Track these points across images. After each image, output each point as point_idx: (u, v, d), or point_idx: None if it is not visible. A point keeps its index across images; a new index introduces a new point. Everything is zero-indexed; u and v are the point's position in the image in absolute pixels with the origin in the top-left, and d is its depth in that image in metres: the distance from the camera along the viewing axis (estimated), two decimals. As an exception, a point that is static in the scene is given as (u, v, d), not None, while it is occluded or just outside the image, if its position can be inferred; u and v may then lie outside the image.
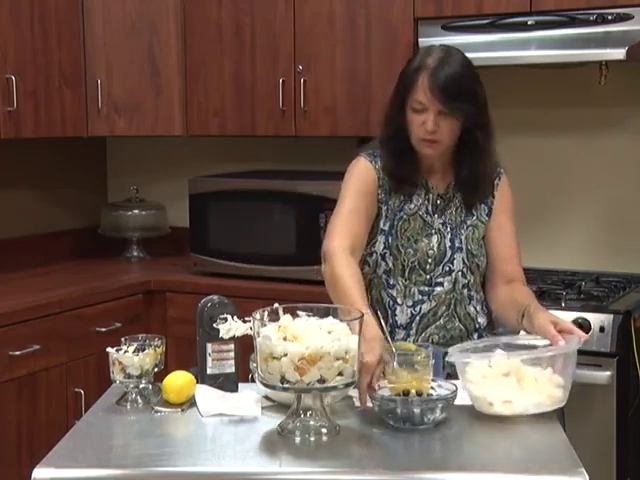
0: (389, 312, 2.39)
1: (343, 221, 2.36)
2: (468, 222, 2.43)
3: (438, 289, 2.39)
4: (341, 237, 2.33)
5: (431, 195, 2.43)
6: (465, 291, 2.41)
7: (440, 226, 2.41)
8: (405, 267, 2.38)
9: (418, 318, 2.38)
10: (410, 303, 2.39)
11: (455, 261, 2.39)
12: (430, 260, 2.39)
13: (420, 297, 2.39)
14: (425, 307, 2.38)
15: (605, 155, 3.65)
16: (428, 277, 2.38)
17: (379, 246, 2.39)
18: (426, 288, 2.39)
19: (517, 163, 3.79)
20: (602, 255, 3.67)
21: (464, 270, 2.40)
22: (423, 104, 2.31)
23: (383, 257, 2.39)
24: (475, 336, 2.41)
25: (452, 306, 2.40)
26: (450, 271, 2.39)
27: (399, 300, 2.39)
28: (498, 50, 3.36)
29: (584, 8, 3.22)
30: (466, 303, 2.41)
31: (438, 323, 2.38)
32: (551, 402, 2.00)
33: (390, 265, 2.39)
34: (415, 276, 2.38)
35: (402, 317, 2.39)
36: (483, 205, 2.46)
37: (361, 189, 2.41)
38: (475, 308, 2.43)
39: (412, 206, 2.42)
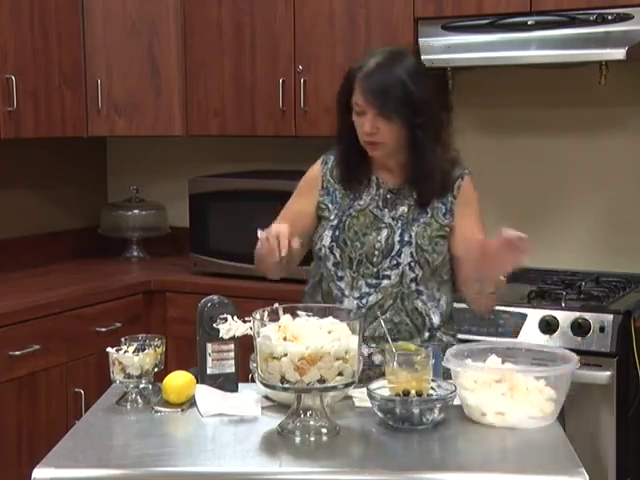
0: (337, 304, 2.40)
1: (279, 220, 2.49)
2: (421, 219, 2.44)
3: (385, 282, 2.40)
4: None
5: (382, 190, 2.47)
6: (413, 285, 2.40)
7: (391, 220, 2.44)
8: (353, 260, 2.41)
9: (365, 310, 2.38)
10: (357, 295, 2.40)
11: (403, 255, 2.40)
12: (377, 253, 2.41)
13: (367, 289, 2.40)
14: (372, 299, 2.39)
15: (605, 155, 3.65)
16: (375, 270, 2.40)
17: (326, 240, 2.43)
18: (373, 280, 2.40)
19: (517, 163, 3.80)
20: (602, 255, 3.67)
21: (412, 264, 2.40)
22: (361, 107, 2.36)
23: (331, 250, 2.43)
24: (426, 335, 2.41)
25: (399, 300, 2.40)
26: (398, 264, 2.40)
27: (346, 292, 2.41)
28: (498, 50, 3.36)
29: (584, 8, 3.22)
30: (414, 297, 2.41)
31: (385, 316, 2.37)
32: (542, 416, 1.99)
33: (338, 257, 2.42)
34: (363, 269, 2.41)
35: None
36: (441, 205, 2.45)
37: (302, 190, 2.55)
38: (425, 304, 2.42)
39: (362, 202, 2.46)
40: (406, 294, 2.40)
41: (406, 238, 2.41)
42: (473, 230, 2.43)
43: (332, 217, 2.46)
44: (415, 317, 2.40)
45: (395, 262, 2.40)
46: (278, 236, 2.20)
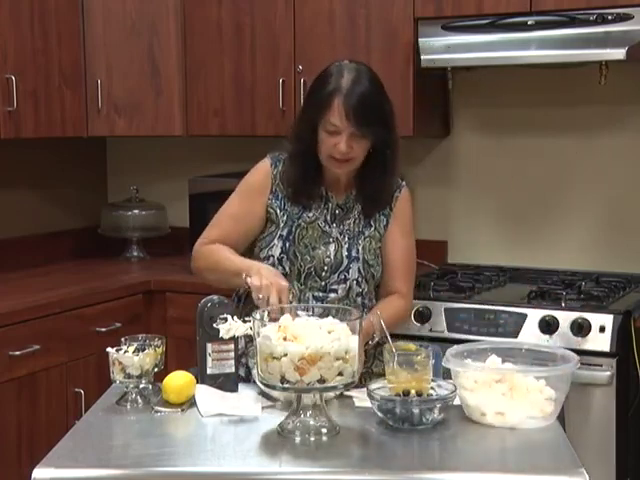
0: None
1: (218, 226, 2.51)
2: (366, 233, 2.48)
3: (332, 295, 2.43)
4: (209, 240, 2.49)
5: (330, 204, 2.48)
6: (359, 299, 2.46)
7: (338, 235, 2.46)
8: (301, 272, 2.43)
9: None
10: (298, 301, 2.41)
11: (351, 270, 2.44)
12: (326, 267, 2.43)
13: (314, 302, 2.42)
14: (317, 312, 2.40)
15: (605, 155, 3.65)
16: (323, 283, 2.43)
17: (276, 250, 2.43)
18: (320, 294, 2.43)
19: (517, 163, 3.81)
20: (602, 255, 3.67)
21: (359, 279, 2.45)
22: (337, 127, 2.34)
23: (280, 261, 2.43)
24: (371, 344, 2.42)
25: (340, 298, 2.43)
26: (345, 279, 2.44)
27: (294, 303, 2.40)
28: (498, 50, 3.36)
29: (584, 8, 3.22)
30: (353, 295, 2.45)
31: None
32: (542, 416, 1.99)
33: (287, 269, 2.43)
34: (311, 282, 2.43)
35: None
36: (382, 217, 2.50)
37: (250, 193, 2.51)
38: (370, 300, 2.48)
39: (311, 215, 2.47)
40: (345, 294, 2.43)
41: (354, 253, 2.44)
42: (395, 239, 2.49)
43: (281, 225, 2.46)
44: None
45: (343, 277, 2.43)
46: (280, 296, 2.20)
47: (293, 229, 2.45)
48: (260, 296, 2.21)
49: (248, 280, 2.26)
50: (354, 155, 2.38)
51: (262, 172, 2.52)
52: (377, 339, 2.34)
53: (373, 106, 2.35)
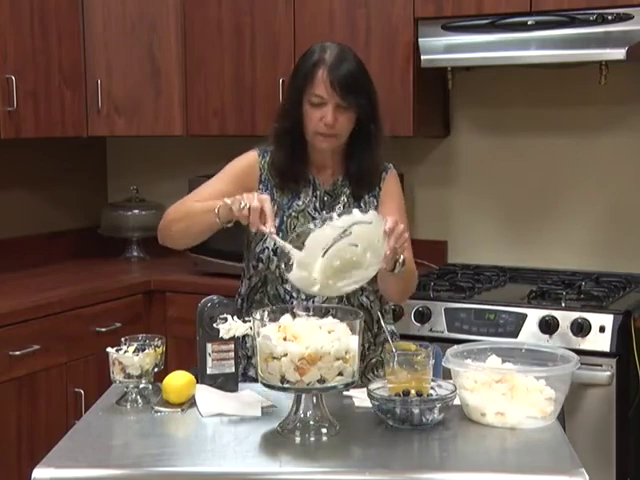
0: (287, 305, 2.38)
1: (199, 196, 2.43)
2: None
3: None
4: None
5: (318, 192, 2.48)
6: None
7: None
8: None
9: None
10: (304, 296, 2.39)
11: None
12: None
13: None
14: (318, 299, 2.38)
15: (605, 155, 3.66)
16: None
17: (270, 242, 2.40)
18: None
19: (517, 163, 3.81)
20: (602, 255, 3.67)
21: None
22: (322, 98, 2.36)
23: (275, 252, 2.40)
24: (375, 328, 2.46)
25: (344, 298, 2.41)
26: None
27: (294, 294, 2.41)
28: (498, 50, 3.36)
29: (584, 8, 3.22)
30: (358, 294, 2.44)
31: None
32: (542, 416, 1.99)
33: None
34: None
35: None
36: (372, 198, 2.49)
37: (236, 176, 2.46)
38: (368, 298, 2.47)
39: (300, 203, 2.46)
40: (351, 292, 2.37)
41: None
42: (387, 214, 2.36)
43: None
44: (363, 312, 2.38)
45: None
46: (262, 207, 2.15)
47: (284, 219, 2.44)
48: (242, 204, 2.15)
49: (226, 200, 2.21)
50: (340, 129, 2.38)
51: (249, 159, 2.50)
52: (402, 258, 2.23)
53: (357, 77, 2.38)
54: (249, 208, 2.14)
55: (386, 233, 2.07)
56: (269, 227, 2.13)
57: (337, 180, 2.49)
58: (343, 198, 2.48)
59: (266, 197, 2.19)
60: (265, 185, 2.47)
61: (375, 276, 2.35)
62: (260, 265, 2.45)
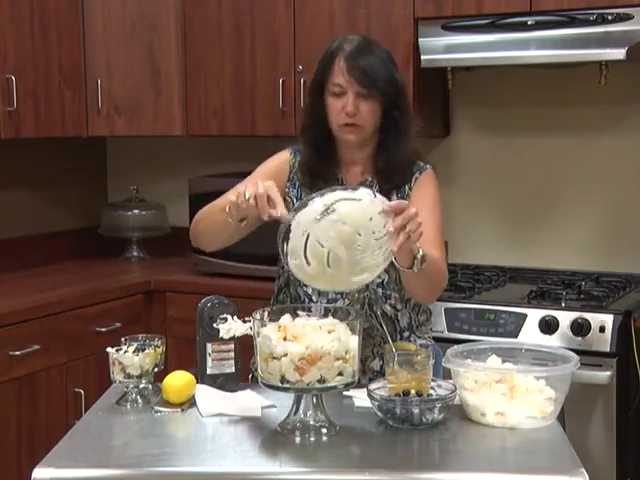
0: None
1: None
2: None
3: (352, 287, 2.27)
4: None
5: None
6: (380, 290, 2.36)
7: None
8: None
9: None
10: (325, 301, 2.36)
11: None
12: None
13: (334, 295, 2.35)
14: (339, 305, 2.32)
15: (605, 155, 3.66)
16: None
17: None
18: None
19: (517, 163, 3.81)
20: (602, 255, 3.67)
21: None
22: (341, 86, 2.32)
23: None
24: (398, 340, 2.35)
25: (367, 305, 2.35)
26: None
27: (314, 298, 2.38)
28: (498, 50, 3.36)
29: (584, 8, 3.22)
30: (382, 302, 2.37)
31: None
32: (542, 416, 1.99)
33: None
34: None
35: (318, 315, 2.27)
36: (399, 195, 2.38)
37: (267, 175, 2.37)
38: (394, 307, 2.38)
39: None
40: (373, 299, 2.35)
41: None
42: (422, 216, 2.22)
43: None
44: (385, 322, 2.31)
45: None
46: (268, 194, 2.06)
47: None
48: (247, 195, 2.06)
49: (231, 197, 2.14)
50: (362, 120, 2.32)
51: (281, 158, 2.47)
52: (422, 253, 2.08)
53: (377, 65, 2.32)
54: (255, 197, 2.07)
55: (385, 211, 1.94)
56: (279, 211, 2.02)
57: (366, 180, 2.41)
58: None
59: (271, 183, 2.09)
60: (292, 184, 2.44)
61: (399, 278, 2.29)
62: (284, 265, 2.42)
